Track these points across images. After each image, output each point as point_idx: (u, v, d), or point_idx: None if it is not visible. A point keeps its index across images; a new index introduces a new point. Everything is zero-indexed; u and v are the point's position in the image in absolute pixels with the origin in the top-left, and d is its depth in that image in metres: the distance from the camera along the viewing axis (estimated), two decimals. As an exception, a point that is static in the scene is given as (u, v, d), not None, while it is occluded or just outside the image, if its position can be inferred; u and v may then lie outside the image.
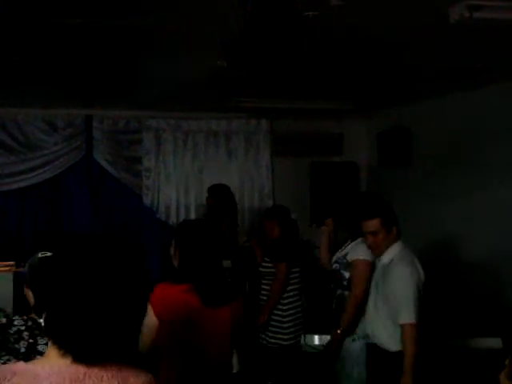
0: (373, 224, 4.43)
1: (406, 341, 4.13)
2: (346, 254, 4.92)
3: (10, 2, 3.84)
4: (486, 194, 6.41)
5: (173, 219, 8.12)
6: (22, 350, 2.42)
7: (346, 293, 4.83)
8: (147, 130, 8.12)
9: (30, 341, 2.45)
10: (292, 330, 5.74)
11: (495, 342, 5.19)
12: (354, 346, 4.75)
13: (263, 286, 5.94)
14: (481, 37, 4.51)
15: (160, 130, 8.16)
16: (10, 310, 5.64)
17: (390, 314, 4.31)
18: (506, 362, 2.67)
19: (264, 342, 5.81)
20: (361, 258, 4.79)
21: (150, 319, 3.25)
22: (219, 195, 7.13)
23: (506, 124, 6.21)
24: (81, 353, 1.81)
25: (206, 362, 3.43)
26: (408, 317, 4.17)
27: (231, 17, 3.55)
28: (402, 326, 4.18)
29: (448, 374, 5.24)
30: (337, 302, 4.92)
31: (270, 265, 5.88)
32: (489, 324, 6.10)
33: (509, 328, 2.92)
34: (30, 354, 2.42)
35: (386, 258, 4.44)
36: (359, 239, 4.82)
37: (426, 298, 6.50)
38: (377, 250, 4.48)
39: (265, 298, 5.88)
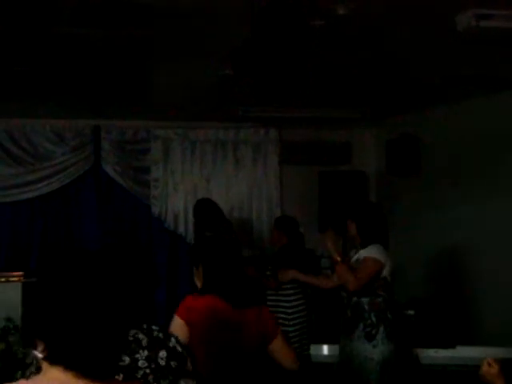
0: None
1: None
2: (358, 260, 4.90)
3: (17, 13, 3.86)
4: (496, 203, 6.37)
5: (181, 229, 8.11)
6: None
7: (364, 300, 4.79)
8: (155, 139, 8.12)
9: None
10: (297, 339, 5.75)
11: (506, 352, 5.16)
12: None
13: (268, 297, 5.94)
14: (488, 45, 4.50)
15: (168, 139, 8.16)
16: (18, 319, 5.65)
17: None
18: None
19: None
20: (372, 255, 4.79)
21: (179, 327, 3.37)
22: (199, 211, 7.03)
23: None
24: (86, 367, 1.77)
25: (233, 359, 3.52)
26: None
27: (238, 26, 3.56)
28: None
29: None
30: (352, 309, 4.87)
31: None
32: (498, 333, 6.07)
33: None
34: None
35: None
36: (376, 244, 4.83)
37: (432, 307, 6.53)
38: None
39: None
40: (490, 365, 3.03)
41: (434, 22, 4.07)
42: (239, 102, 6.63)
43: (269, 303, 5.89)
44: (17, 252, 7.64)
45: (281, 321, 5.76)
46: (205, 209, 6.95)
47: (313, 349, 5.65)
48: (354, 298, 4.83)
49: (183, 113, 7.59)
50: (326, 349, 5.54)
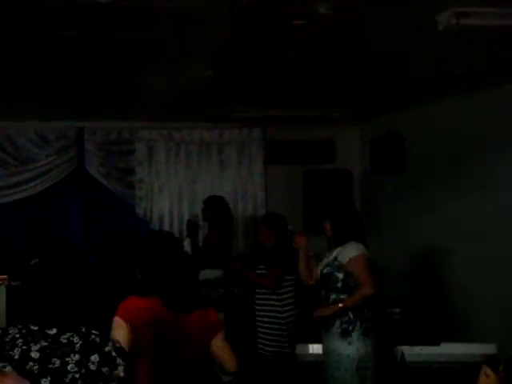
0: None
1: None
2: (336, 257, 4.90)
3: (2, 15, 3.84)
4: (480, 200, 6.39)
5: (166, 230, 8.09)
6: (16, 356, 2.47)
7: (343, 296, 4.80)
8: (139, 140, 8.10)
9: (24, 347, 2.49)
10: (289, 338, 5.77)
11: (489, 349, 5.19)
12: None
13: (257, 296, 5.95)
14: (469, 43, 4.51)
15: (152, 140, 8.15)
16: (3, 323, 5.63)
17: None
18: (500, 369, 2.67)
19: (261, 351, 5.82)
20: (357, 253, 4.81)
21: (121, 329, 3.27)
22: (215, 206, 7.12)
23: (497, 130, 6.21)
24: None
25: (177, 367, 3.42)
26: None
27: (223, 26, 3.55)
28: None
29: (442, 381, 5.23)
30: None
31: (264, 272, 5.90)
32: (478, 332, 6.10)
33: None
34: (24, 360, 2.48)
35: None
36: (350, 243, 4.84)
37: (417, 305, 6.56)
38: None
39: (259, 307, 5.89)
40: (487, 376, 2.92)
41: (416, 21, 4.08)
42: (223, 102, 6.62)
43: (260, 302, 5.90)
44: (1, 255, 7.60)
45: (274, 320, 5.80)
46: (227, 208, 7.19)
47: (298, 348, 5.66)
48: (333, 296, 4.85)
49: (167, 114, 7.58)
50: (310, 348, 5.56)
